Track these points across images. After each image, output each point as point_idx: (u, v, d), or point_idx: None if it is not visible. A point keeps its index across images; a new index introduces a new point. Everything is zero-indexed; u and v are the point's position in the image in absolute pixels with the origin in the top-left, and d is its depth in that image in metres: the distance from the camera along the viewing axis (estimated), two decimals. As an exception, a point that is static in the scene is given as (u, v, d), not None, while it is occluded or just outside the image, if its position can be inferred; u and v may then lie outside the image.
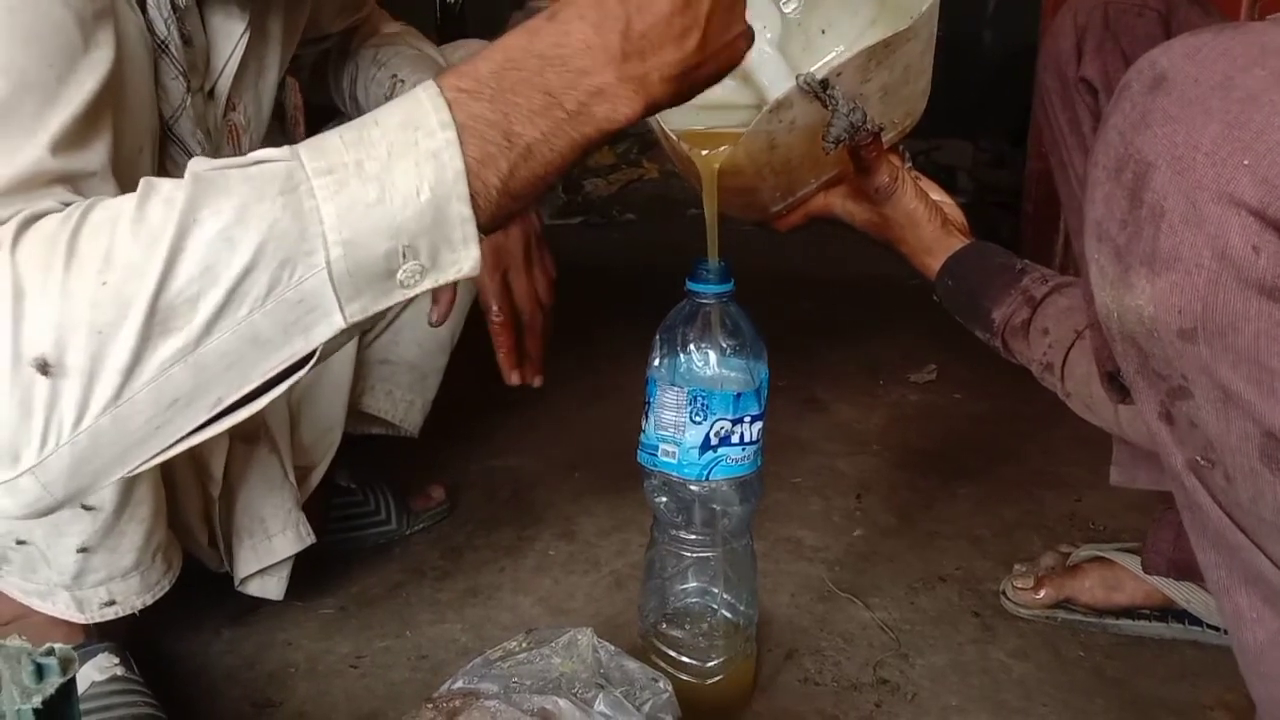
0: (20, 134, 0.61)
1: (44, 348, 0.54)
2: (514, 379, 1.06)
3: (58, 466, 0.56)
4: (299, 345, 0.58)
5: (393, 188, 0.57)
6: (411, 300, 0.61)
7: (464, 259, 0.60)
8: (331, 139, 0.58)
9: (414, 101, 0.59)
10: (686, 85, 0.65)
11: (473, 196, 0.58)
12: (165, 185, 0.57)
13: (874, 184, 0.93)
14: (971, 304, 0.93)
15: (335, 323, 0.58)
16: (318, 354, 0.59)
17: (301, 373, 0.59)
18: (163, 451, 0.58)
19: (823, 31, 1.04)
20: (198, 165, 0.57)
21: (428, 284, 0.60)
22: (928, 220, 0.95)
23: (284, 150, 0.58)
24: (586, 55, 0.61)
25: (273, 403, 1.06)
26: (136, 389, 0.55)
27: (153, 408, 0.56)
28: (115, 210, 0.56)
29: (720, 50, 0.66)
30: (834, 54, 1.04)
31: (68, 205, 0.59)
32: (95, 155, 0.66)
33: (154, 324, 0.54)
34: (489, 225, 0.61)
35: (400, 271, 0.58)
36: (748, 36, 0.68)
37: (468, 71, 0.60)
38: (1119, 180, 0.52)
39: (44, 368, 0.54)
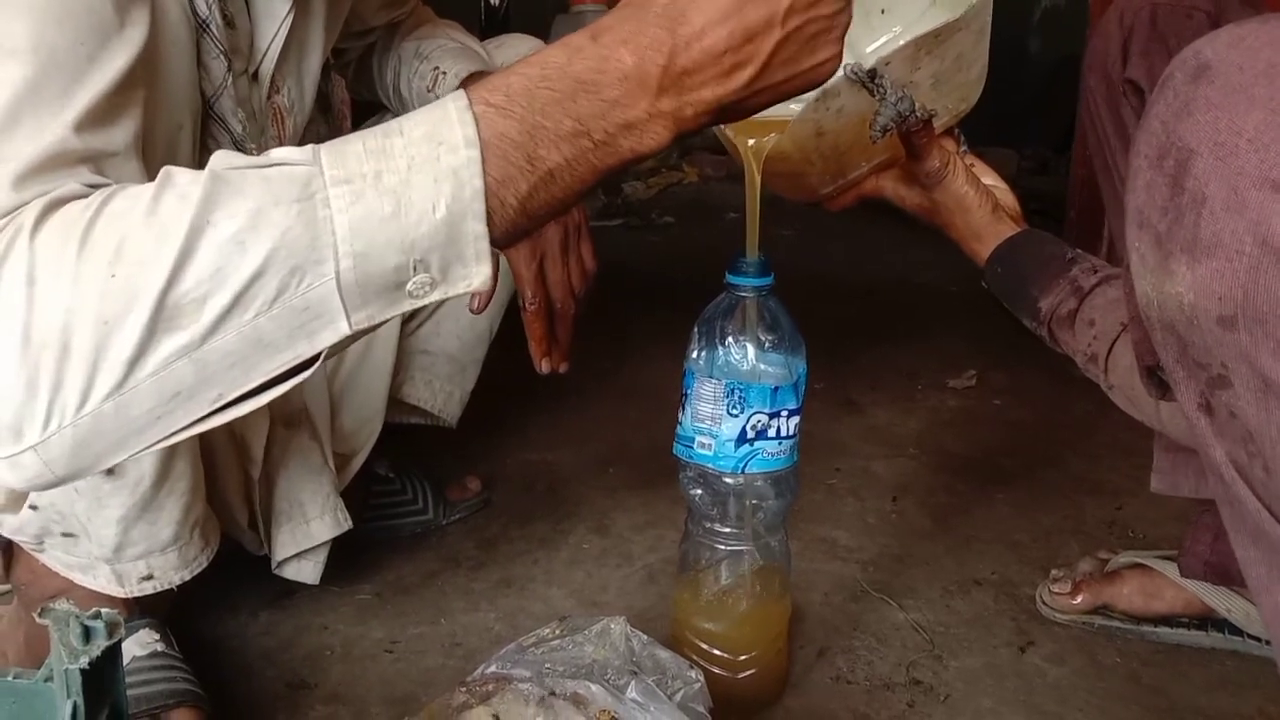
0: (47, 113, 0.62)
1: (52, 332, 0.54)
2: (543, 367, 1.06)
3: (59, 446, 0.57)
4: (303, 349, 0.58)
5: (409, 202, 0.56)
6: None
7: (475, 274, 0.59)
8: (354, 145, 0.58)
9: (441, 112, 0.58)
10: (728, 116, 0.65)
11: (489, 214, 0.58)
12: (183, 179, 0.57)
13: (924, 169, 0.93)
14: (1019, 292, 0.93)
15: (340, 329, 0.58)
16: (322, 356, 0.59)
17: (305, 374, 0.59)
18: (163, 439, 0.59)
19: (882, 11, 1.05)
20: (218, 161, 0.57)
21: (436, 296, 0.59)
22: (978, 206, 0.95)
23: (305, 152, 0.58)
24: (621, 85, 0.60)
25: (314, 389, 1.10)
26: (140, 380, 0.56)
27: (155, 398, 0.57)
28: (132, 201, 0.57)
29: (785, 81, 0.64)
30: (891, 34, 1.05)
31: (92, 186, 0.60)
32: (121, 134, 0.67)
33: (160, 320, 0.55)
34: (503, 242, 0.60)
35: (410, 283, 0.58)
36: (836, 60, 0.66)
37: (500, 85, 0.59)
38: (1161, 168, 0.52)
39: (51, 351, 0.55)
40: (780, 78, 0.64)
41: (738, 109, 0.65)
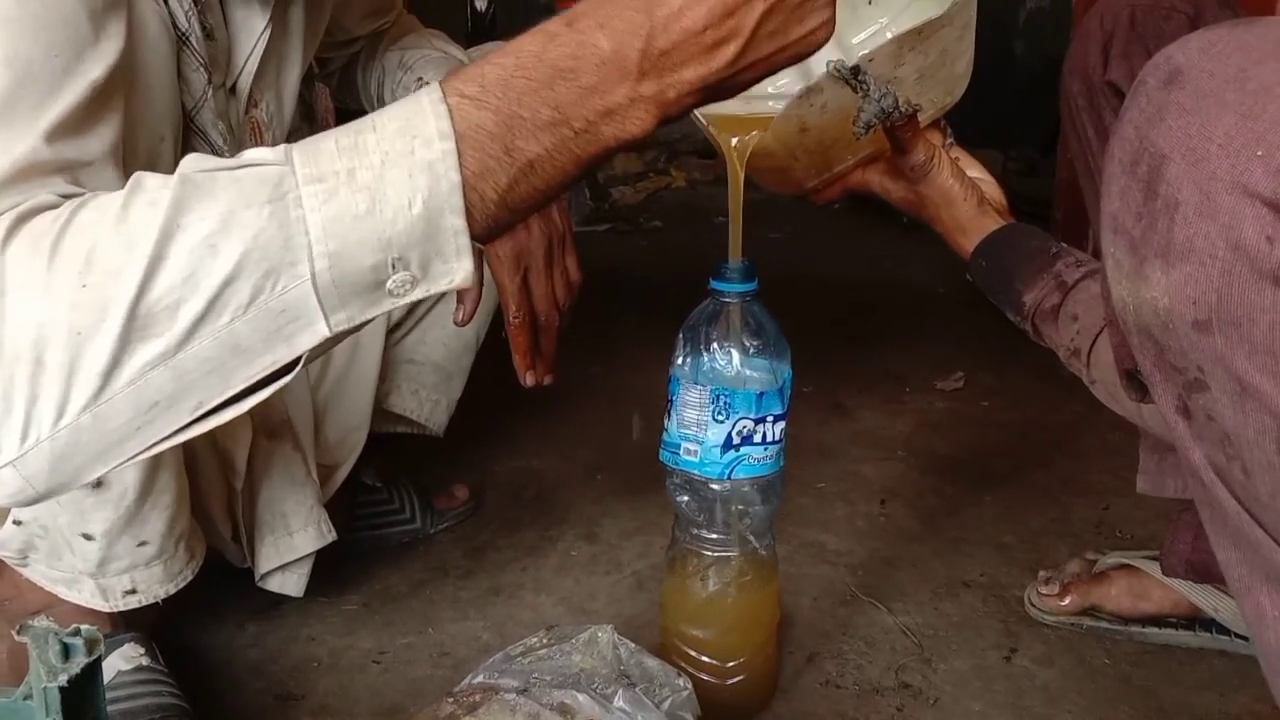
0: (20, 125, 0.61)
1: (25, 345, 0.54)
2: (528, 380, 1.06)
3: (38, 461, 0.56)
4: (282, 353, 0.57)
5: (384, 199, 0.55)
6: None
7: (456, 270, 0.58)
8: (327, 143, 0.56)
9: (415, 106, 0.57)
10: (716, 95, 0.63)
11: (468, 209, 0.56)
12: (152, 183, 0.56)
13: (909, 163, 0.94)
14: (1004, 286, 0.93)
15: (319, 332, 0.57)
16: (302, 360, 0.58)
17: (287, 378, 0.58)
18: (145, 450, 0.58)
19: (869, 2, 1.05)
20: (188, 165, 0.57)
21: (418, 294, 0.58)
22: (963, 199, 0.95)
23: (277, 152, 0.57)
24: (599, 71, 0.58)
25: (297, 400, 1.10)
26: (116, 390, 0.55)
27: (133, 409, 0.56)
28: (102, 210, 0.56)
29: (773, 54, 0.62)
30: (877, 26, 1.05)
31: (66, 196, 0.59)
32: (96, 143, 0.66)
33: (133, 329, 0.54)
34: (484, 236, 0.59)
35: (389, 282, 0.57)
36: (828, 27, 0.63)
37: (474, 76, 0.58)
38: (1134, 173, 0.52)
39: (25, 365, 0.54)
40: (768, 50, 0.61)
41: (725, 87, 0.62)
